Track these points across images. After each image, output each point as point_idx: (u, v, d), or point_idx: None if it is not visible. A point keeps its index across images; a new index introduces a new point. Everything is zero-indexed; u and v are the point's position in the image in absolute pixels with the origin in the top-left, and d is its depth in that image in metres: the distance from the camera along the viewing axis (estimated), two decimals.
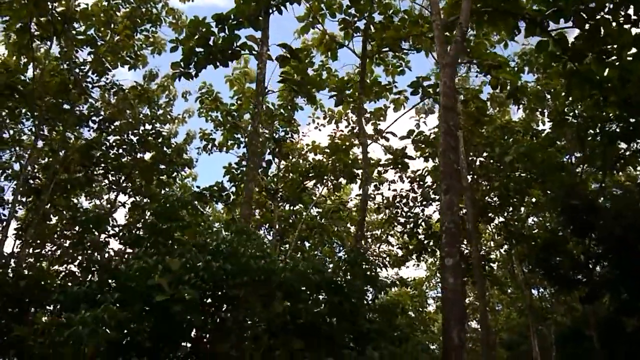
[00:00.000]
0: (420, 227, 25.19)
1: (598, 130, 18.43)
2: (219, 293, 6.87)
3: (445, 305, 7.64)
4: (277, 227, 24.16)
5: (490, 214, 23.20)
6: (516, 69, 20.99)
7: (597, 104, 13.69)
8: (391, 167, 20.93)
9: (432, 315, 40.46)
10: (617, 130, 18.72)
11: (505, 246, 27.34)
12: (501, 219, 24.16)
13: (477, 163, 23.90)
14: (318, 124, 26.12)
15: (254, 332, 7.03)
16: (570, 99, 17.76)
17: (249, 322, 7.25)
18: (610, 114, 17.85)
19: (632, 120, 17.60)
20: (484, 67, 15.71)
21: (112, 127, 23.59)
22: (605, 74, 12.93)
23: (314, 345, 6.93)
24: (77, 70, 22.14)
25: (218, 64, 15.21)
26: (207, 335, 7.31)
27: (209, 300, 6.89)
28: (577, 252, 17.37)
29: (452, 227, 8.11)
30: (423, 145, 23.47)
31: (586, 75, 12.91)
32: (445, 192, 8.45)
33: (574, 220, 15.89)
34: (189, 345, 7.08)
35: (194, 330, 6.83)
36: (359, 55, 18.70)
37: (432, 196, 24.17)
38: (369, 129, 22.34)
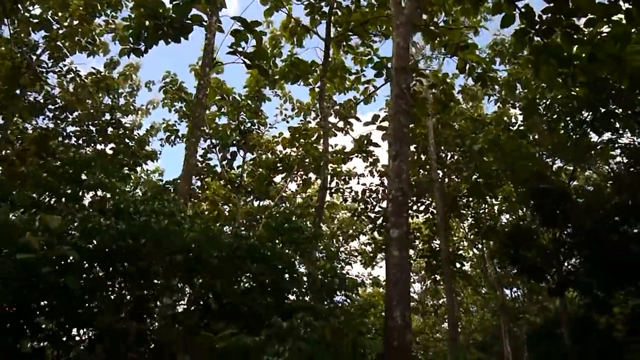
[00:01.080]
0: None
1: (569, 120, 17.73)
2: (121, 263, 5.78)
3: (388, 281, 6.65)
4: (240, 222, 23.03)
5: (461, 210, 22.37)
6: (487, 59, 20.32)
7: (565, 82, 12.90)
8: (356, 154, 19.86)
9: None
10: (588, 120, 18.12)
11: (479, 245, 26.61)
12: (473, 215, 23.37)
13: (448, 158, 23.14)
14: (286, 115, 25.11)
15: (167, 312, 5.99)
16: (540, 85, 17.06)
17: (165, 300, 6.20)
18: (581, 105, 17.24)
19: (602, 109, 16.97)
20: (450, 47, 14.85)
21: (71, 116, 22.41)
22: (574, 51, 12.15)
23: (238, 325, 5.88)
24: (30, 54, 20.92)
25: (169, 40, 14.14)
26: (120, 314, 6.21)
27: (105, 269, 5.78)
28: (546, 242, 16.54)
29: (400, 195, 7.13)
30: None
31: (554, 52, 12.09)
32: (394, 157, 7.49)
33: (543, 207, 15.00)
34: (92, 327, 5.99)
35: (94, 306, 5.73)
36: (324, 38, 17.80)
37: None
38: (341, 123, 21.43)
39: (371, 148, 20.77)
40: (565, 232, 15.70)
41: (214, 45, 12.23)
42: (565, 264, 16.68)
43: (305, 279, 7.35)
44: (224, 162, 23.57)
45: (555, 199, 14.68)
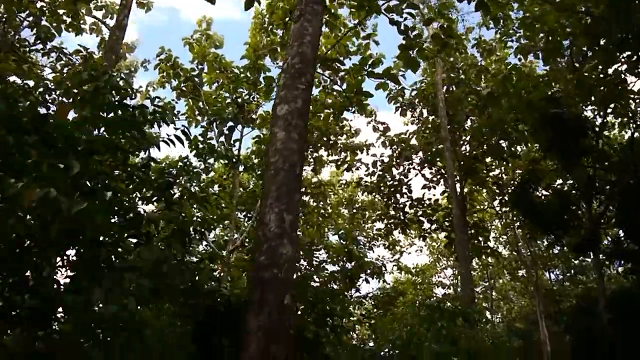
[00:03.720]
0: (405, 195, 21.76)
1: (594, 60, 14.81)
2: None
3: (267, 172, 4.42)
4: (237, 196, 21.01)
5: (481, 174, 19.53)
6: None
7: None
8: (351, 110, 17.18)
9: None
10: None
11: (505, 219, 23.65)
12: (496, 183, 20.50)
13: (465, 121, 20.44)
14: None
15: None
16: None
17: None
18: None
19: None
20: None
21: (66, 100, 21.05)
22: None
23: None
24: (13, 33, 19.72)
25: None
26: None
27: None
28: (567, 187, 13.63)
29: (298, 63, 4.87)
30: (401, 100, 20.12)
31: None
32: (297, 18, 5.22)
33: (561, 141, 12.05)
34: None
35: None
36: None
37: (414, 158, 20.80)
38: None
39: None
40: (594, 175, 12.71)
41: None
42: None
43: None
44: (222, 137, 21.68)
45: (574, 130, 11.81)
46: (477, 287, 38.43)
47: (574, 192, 13.04)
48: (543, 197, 13.53)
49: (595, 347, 13.51)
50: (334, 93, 18.32)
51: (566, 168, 12.83)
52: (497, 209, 23.38)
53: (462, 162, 19.16)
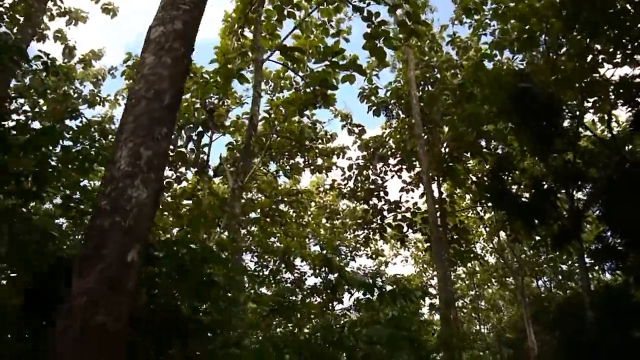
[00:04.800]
0: (382, 199, 20.81)
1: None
2: None
3: (127, 104, 3.48)
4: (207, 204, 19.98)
5: (457, 171, 18.58)
6: None
7: None
8: (316, 105, 16.14)
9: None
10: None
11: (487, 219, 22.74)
12: (475, 182, 19.60)
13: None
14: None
15: None
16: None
17: None
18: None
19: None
20: None
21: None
22: None
23: None
24: None
25: None
26: None
27: None
28: (540, 175, 12.61)
29: None
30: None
31: None
32: None
33: (531, 119, 11.00)
34: None
35: None
36: None
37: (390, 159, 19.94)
38: None
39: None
40: (568, 160, 11.77)
41: None
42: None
43: None
44: (189, 143, 20.75)
45: (545, 109, 10.85)
46: (466, 298, 37.41)
47: (550, 180, 12.08)
48: (518, 187, 12.60)
49: (580, 346, 12.51)
50: (298, 87, 17.59)
51: (539, 152, 11.89)
52: (479, 210, 22.47)
53: (439, 162, 18.29)
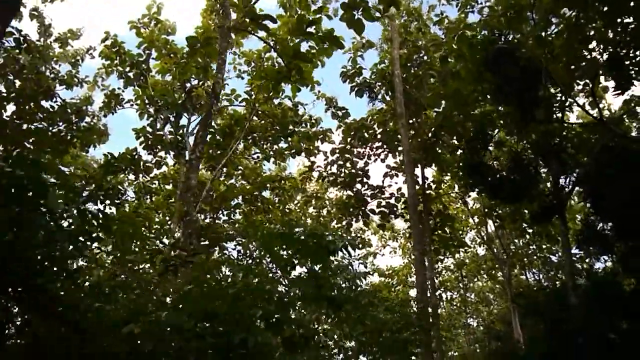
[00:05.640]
0: (366, 184, 20.08)
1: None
2: None
3: None
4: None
5: (441, 157, 17.89)
6: None
7: None
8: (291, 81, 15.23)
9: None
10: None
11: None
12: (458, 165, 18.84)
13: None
14: (240, 71, 21.41)
15: None
16: None
17: None
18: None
19: None
20: None
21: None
22: None
23: None
24: None
25: None
26: None
27: None
28: (519, 149, 11.83)
29: None
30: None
31: None
32: None
33: (509, 84, 10.17)
34: None
35: None
36: None
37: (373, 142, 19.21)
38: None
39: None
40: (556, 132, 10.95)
41: None
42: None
43: None
44: (167, 125, 20.01)
45: (526, 75, 10.05)
46: (454, 290, 36.73)
47: (530, 153, 11.33)
48: (497, 161, 11.84)
49: (566, 334, 11.85)
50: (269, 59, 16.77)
51: (517, 121, 11.09)
52: (468, 200, 21.78)
53: (425, 147, 17.57)
